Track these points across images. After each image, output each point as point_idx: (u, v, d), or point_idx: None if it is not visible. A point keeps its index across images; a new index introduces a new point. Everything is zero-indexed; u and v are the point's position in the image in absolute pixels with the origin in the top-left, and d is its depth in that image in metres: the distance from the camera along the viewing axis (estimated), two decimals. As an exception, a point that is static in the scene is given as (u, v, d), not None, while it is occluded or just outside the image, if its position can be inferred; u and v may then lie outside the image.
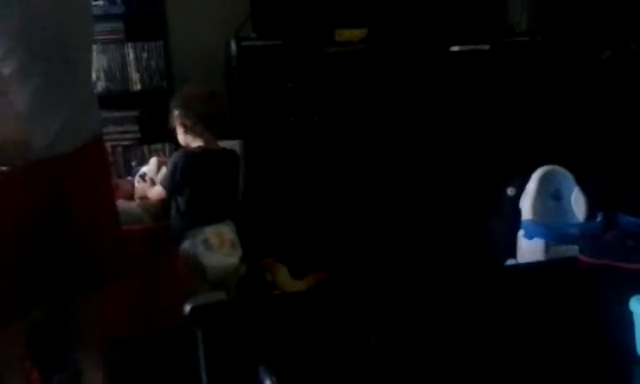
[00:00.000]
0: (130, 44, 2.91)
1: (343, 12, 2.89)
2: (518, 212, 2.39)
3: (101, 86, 2.89)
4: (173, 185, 2.22)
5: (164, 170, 2.39)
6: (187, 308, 1.44)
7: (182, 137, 2.30)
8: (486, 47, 2.82)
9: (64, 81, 1.64)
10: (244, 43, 2.69)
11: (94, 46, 2.68)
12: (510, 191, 2.56)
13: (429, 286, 2.20)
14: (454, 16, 2.92)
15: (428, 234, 2.81)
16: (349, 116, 2.77)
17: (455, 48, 2.79)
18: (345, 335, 1.50)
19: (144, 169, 2.56)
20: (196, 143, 2.26)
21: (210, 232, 2.16)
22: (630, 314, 1.04)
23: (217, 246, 2.17)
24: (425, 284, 2.20)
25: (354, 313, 1.81)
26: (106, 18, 2.84)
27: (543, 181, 2.36)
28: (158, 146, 2.99)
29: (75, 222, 1.71)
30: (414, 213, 2.85)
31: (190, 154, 2.24)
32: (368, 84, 2.76)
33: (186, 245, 2.17)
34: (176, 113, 2.27)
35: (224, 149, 2.34)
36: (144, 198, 2.45)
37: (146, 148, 2.98)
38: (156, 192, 2.33)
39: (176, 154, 2.30)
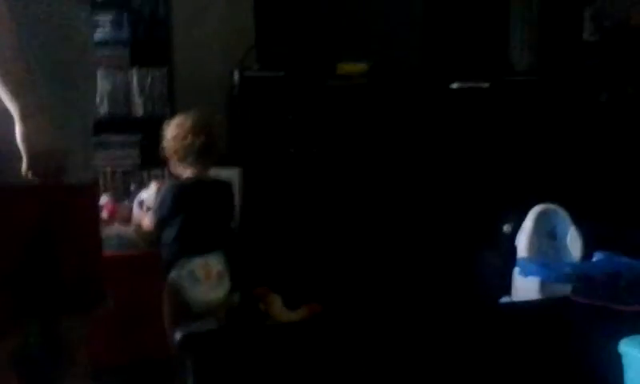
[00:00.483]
0: (134, 69, 2.94)
1: (345, 46, 2.93)
2: (513, 249, 2.40)
3: (103, 110, 2.91)
4: (161, 215, 2.21)
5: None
6: (178, 336, 1.44)
7: (173, 166, 2.30)
8: (486, 85, 2.85)
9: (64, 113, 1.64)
10: (247, 73, 2.73)
11: (98, 71, 2.75)
12: (507, 228, 2.57)
13: (422, 321, 2.20)
14: (455, 53, 2.96)
15: (423, 268, 2.81)
16: (348, 149, 2.79)
17: (455, 85, 2.82)
18: (336, 367, 1.50)
19: (143, 195, 2.56)
20: (187, 173, 2.26)
21: (197, 264, 2.13)
22: (619, 356, 1.04)
23: (203, 279, 2.13)
24: (418, 319, 2.21)
25: (346, 345, 1.81)
26: (111, 42, 2.88)
27: (540, 219, 2.37)
28: (158, 171, 3.00)
29: (61, 248, 1.73)
30: (410, 247, 2.85)
31: (179, 185, 2.24)
32: (368, 118, 2.79)
33: (173, 275, 2.15)
34: (167, 143, 2.27)
35: (216, 180, 2.33)
36: (139, 225, 2.45)
37: (145, 173, 3.00)
38: (149, 220, 2.33)
39: (166, 185, 2.30)
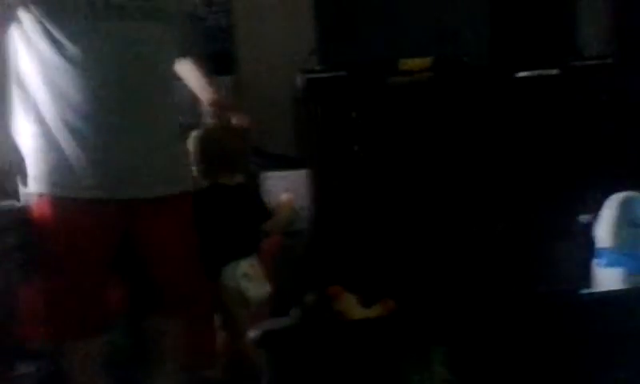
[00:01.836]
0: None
1: (407, 42, 2.91)
2: (590, 240, 2.32)
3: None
4: None
5: None
6: (255, 334, 1.47)
7: (197, 174, 2.35)
8: (554, 72, 2.77)
9: (132, 125, 1.74)
10: (309, 76, 2.75)
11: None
12: (584, 218, 2.49)
13: (500, 316, 2.16)
14: (521, 41, 2.89)
15: (498, 261, 2.75)
16: (414, 145, 2.77)
17: (522, 74, 2.76)
18: (411, 363, 1.49)
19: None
20: (208, 180, 2.30)
21: (246, 265, 2.21)
22: None
23: (254, 277, 2.23)
24: (496, 314, 2.17)
25: (420, 342, 1.80)
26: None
27: (621, 207, 2.28)
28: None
29: (145, 252, 1.84)
30: (485, 240, 2.79)
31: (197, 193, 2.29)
32: (433, 112, 2.76)
33: (226, 280, 2.22)
34: (191, 152, 2.33)
35: (239, 184, 2.33)
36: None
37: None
38: None
39: None
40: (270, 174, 2.96)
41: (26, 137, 1.72)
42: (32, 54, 1.67)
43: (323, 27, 2.88)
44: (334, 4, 2.91)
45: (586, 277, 2.28)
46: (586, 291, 2.24)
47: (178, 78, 2.09)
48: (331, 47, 2.88)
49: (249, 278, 2.21)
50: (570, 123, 2.79)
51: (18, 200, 1.78)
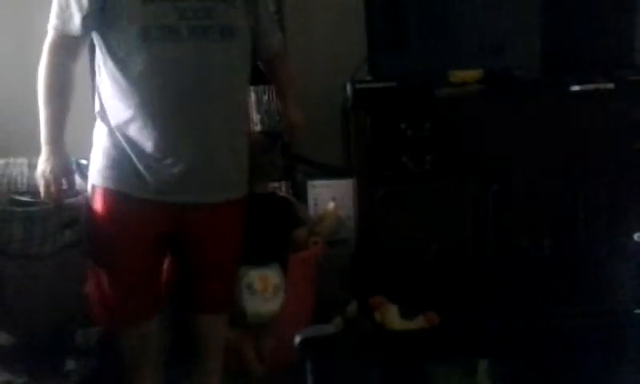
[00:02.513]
0: (251, 87, 3.06)
1: (458, 54, 2.90)
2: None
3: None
4: None
5: None
6: (297, 339, 1.48)
7: None
8: (611, 86, 2.70)
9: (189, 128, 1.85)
10: (359, 85, 2.76)
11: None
12: (638, 237, 2.43)
13: (549, 333, 2.12)
14: (574, 54, 2.84)
15: (547, 279, 2.70)
16: (462, 157, 2.74)
17: (576, 88, 2.70)
18: (455, 375, 1.48)
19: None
20: None
21: (255, 276, 2.16)
22: None
23: (260, 291, 2.16)
24: (544, 332, 2.13)
25: (464, 354, 1.78)
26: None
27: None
28: (276, 184, 3.11)
29: (187, 248, 2.01)
30: (530, 256, 2.74)
31: None
32: (482, 125, 2.73)
33: None
34: None
35: (270, 193, 2.37)
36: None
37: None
38: None
39: None
40: (317, 182, 2.98)
41: (100, 137, 1.93)
42: (105, 69, 1.89)
43: (374, 38, 2.89)
44: (385, 15, 2.92)
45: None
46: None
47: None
48: (381, 58, 2.89)
49: (252, 290, 2.14)
50: (625, 138, 2.71)
51: (75, 196, 2.01)
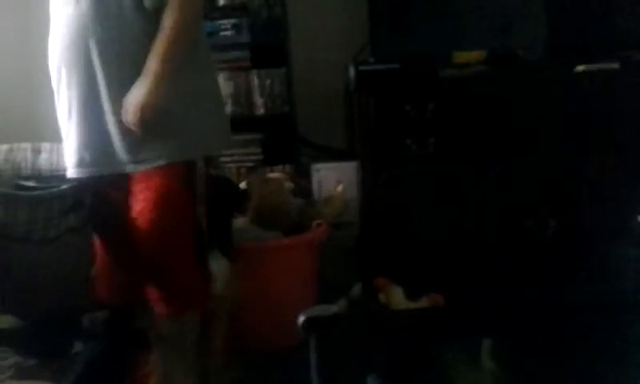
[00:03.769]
0: (254, 71, 3.07)
1: (461, 35, 2.88)
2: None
3: (228, 110, 3.07)
4: None
5: None
6: (301, 319, 1.48)
7: None
8: (616, 66, 2.69)
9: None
10: (362, 68, 2.75)
11: (222, 74, 2.91)
12: (642, 217, 2.43)
13: (554, 317, 2.13)
14: (578, 34, 2.81)
15: (550, 259, 2.70)
16: (466, 138, 2.73)
17: (580, 68, 2.69)
18: (458, 355, 1.48)
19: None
20: None
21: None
22: None
23: None
24: (550, 316, 2.14)
25: (468, 334, 1.79)
26: (233, 46, 3.03)
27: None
28: (280, 167, 3.12)
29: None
30: (534, 238, 2.74)
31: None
32: (486, 106, 2.71)
33: None
34: None
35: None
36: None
37: (268, 169, 3.12)
38: None
39: None
40: (321, 165, 2.98)
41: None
42: None
43: (376, 20, 2.88)
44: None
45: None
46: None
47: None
48: (384, 40, 2.88)
49: None
50: (631, 119, 2.70)
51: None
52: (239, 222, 2.57)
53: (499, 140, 2.73)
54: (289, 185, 2.75)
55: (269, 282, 2.40)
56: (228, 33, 3.01)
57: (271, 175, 2.85)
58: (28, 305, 2.12)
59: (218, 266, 2.10)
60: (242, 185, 2.74)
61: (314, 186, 2.98)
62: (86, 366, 2.03)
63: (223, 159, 3.11)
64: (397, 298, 2.60)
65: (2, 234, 2.01)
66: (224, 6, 3.02)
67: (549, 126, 2.71)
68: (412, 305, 2.58)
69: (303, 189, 2.94)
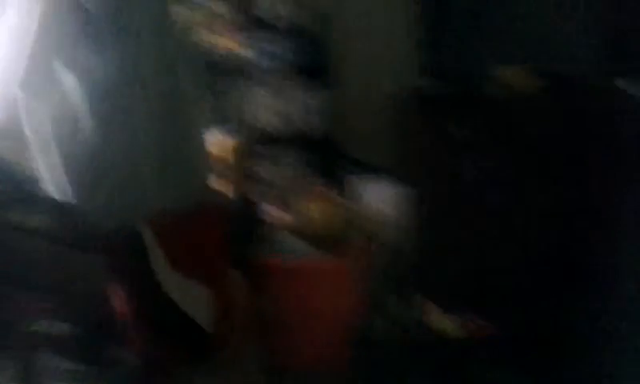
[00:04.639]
0: (300, 90, 3.09)
1: (509, 54, 2.84)
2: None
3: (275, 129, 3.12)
4: None
5: None
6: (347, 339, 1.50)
7: None
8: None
9: None
10: (411, 91, 2.76)
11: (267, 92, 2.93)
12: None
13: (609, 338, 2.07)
14: (631, 52, 2.73)
15: (603, 284, 2.62)
16: (513, 159, 2.69)
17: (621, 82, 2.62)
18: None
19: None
20: None
21: None
22: None
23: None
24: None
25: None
26: (278, 66, 3.06)
27: None
28: (324, 184, 3.14)
29: None
30: (590, 264, 2.67)
31: None
32: (537, 128, 2.66)
33: None
34: None
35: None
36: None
37: (313, 187, 3.14)
38: None
39: None
40: (364, 183, 3.00)
41: None
42: None
43: (427, 41, 2.86)
44: (438, 17, 2.88)
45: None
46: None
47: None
48: (433, 61, 2.86)
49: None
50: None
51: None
52: (284, 236, 2.63)
53: (546, 160, 2.66)
54: (334, 202, 2.79)
55: (310, 299, 2.44)
56: (269, 50, 3.04)
57: (316, 192, 2.88)
58: (83, 312, 2.17)
59: (233, 284, 2.16)
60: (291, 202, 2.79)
61: (357, 203, 3.00)
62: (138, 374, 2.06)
63: (270, 179, 3.17)
64: (438, 317, 2.60)
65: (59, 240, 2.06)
66: (268, 25, 3.05)
67: (598, 146, 2.63)
68: (452, 325, 2.58)
69: (347, 207, 2.97)
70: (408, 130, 2.76)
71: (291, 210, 2.89)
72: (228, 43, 3.06)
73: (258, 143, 3.13)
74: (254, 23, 3.06)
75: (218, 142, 2.45)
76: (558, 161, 2.67)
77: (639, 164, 2.57)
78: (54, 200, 1.87)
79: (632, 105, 2.61)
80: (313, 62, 3.09)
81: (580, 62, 2.80)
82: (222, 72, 3.08)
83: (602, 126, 2.64)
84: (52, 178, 1.74)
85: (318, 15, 3.07)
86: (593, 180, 2.66)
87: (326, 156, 3.13)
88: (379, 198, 2.91)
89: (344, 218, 2.75)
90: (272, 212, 2.93)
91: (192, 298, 1.50)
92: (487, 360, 2.31)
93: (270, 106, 3.10)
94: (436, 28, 2.89)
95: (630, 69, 2.68)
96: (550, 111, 2.68)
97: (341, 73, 3.14)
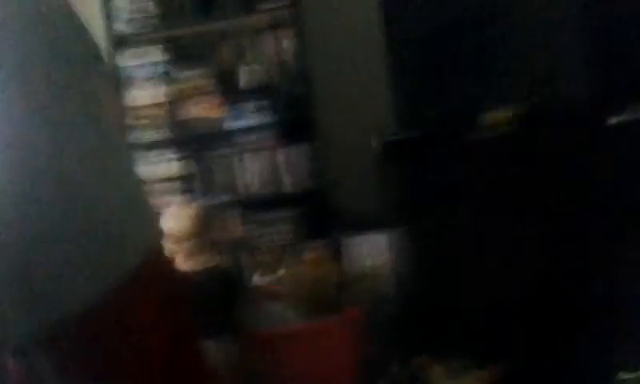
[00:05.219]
0: (280, 150, 3.06)
1: (486, 96, 2.80)
2: None
3: (254, 189, 3.07)
4: None
5: None
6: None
7: None
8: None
9: None
10: (385, 138, 2.70)
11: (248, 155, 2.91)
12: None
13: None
14: (608, 84, 2.68)
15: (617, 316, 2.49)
16: (502, 202, 2.61)
17: (613, 120, 2.56)
18: None
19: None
20: None
21: None
22: None
23: None
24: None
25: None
26: (257, 127, 3.04)
27: None
28: (313, 243, 3.06)
29: None
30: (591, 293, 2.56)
31: None
32: (520, 168, 2.60)
33: None
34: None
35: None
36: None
37: (300, 246, 3.07)
38: None
39: None
40: (352, 239, 2.92)
41: None
42: None
43: (398, 87, 2.82)
44: (410, 63, 2.84)
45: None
46: None
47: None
48: (407, 107, 2.82)
49: None
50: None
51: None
52: (273, 306, 2.52)
53: (536, 200, 2.59)
54: (324, 264, 2.69)
55: (302, 367, 2.32)
56: (251, 115, 3.03)
57: (306, 256, 2.78)
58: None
59: (223, 352, 2.10)
60: (278, 271, 2.71)
61: (347, 260, 2.91)
62: None
63: (256, 241, 3.09)
64: (439, 378, 2.46)
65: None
66: (245, 90, 3.05)
67: (588, 181, 2.57)
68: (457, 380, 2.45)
69: (337, 266, 2.88)
70: (392, 179, 2.68)
71: (279, 274, 2.80)
72: (211, 113, 3.07)
73: (245, 208, 3.08)
74: (235, 93, 3.06)
75: (177, 212, 2.38)
76: (549, 196, 2.59)
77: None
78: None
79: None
80: (294, 120, 3.05)
81: (567, 100, 2.73)
82: (206, 142, 3.09)
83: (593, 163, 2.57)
84: None
85: (296, 77, 3.06)
86: (587, 215, 2.58)
87: (314, 214, 3.05)
88: (369, 253, 2.82)
89: (335, 279, 2.65)
90: (258, 279, 2.84)
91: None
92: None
93: (255, 169, 3.05)
94: (413, 77, 2.83)
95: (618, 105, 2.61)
96: (534, 148, 2.61)
97: (323, 128, 3.10)
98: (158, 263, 1.22)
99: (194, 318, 1.36)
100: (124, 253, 1.13)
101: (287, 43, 3.04)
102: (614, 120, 2.55)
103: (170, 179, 3.05)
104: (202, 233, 2.36)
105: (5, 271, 1.04)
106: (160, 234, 1.41)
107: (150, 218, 1.31)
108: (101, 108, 1.18)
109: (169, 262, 1.34)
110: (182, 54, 3.07)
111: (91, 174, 1.09)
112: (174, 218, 2.33)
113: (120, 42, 3.03)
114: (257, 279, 2.90)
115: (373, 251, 2.85)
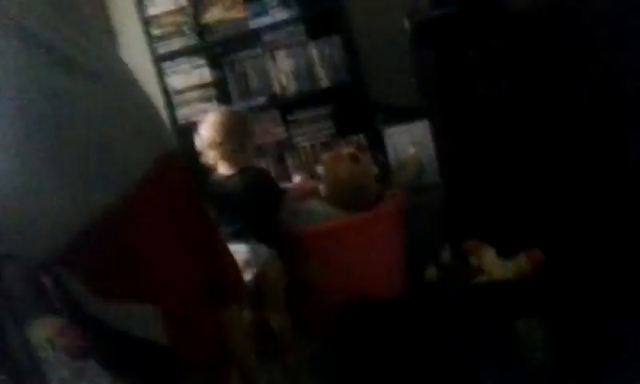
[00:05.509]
0: (312, 43, 2.95)
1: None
2: None
3: (292, 89, 2.99)
4: None
5: None
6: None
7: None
8: None
9: None
10: (417, 18, 2.53)
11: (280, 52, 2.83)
12: None
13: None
14: None
15: None
16: (540, 75, 2.42)
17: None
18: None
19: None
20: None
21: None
22: None
23: None
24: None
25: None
26: (285, 23, 2.92)
27: None
28: (354, 137, 3.00)
29: None
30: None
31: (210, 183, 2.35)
32: (563, 41, 2.39)
33: None
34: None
35: (240, 174, 2.31)
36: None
37: (343, 141, 3.01)
38: None
39: None
40: (393, 129, 2.83)
41: None
42: None
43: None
44: None
45: None
46: None
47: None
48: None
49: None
50: None
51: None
52: (312, 204, 2.50)
53: (578, 74, 2.37)
54: (364, 158, 2.63)
55: (350, 261, 2.32)
56: (277, 11, 2.91)
57: (345, 151, 2.72)
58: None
59: (255, 253, 2.14)
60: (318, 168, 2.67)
61: (390, 151, 2.84)
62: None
63: (297, 139, 3.05)
64: (490, 259, 2.41)
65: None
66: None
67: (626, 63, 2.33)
68: (508, 265, 2.39)
69: (378, 158, 2.82)
70: (426, 62, 2.53)
71: (318, 171, 2.76)
72: (233, 13, 2.96)
73: (283, 108, 3.03)
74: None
75: (213, 118, 2.35)
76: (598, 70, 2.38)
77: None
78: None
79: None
80: (322, 11, 2.91)
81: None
82: (235, 45, 3.01)
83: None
84: None
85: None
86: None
87: (352, 107, 2.96)
88: (411, 141, 2.73)
89: (375, 171, 2.60)
90: (298, 180, 2.82)
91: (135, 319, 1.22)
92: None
93: (288, 66, 2.96)
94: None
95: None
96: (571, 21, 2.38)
97: (351, 17, 2.95)
98: (169, 166, 1.26)
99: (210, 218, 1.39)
100: (132, 162, 1.19)
101: None
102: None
103: (203, 86, 3.01)
104: (240, 136, 2.33)
105: (21, 192, 1.10)
106: (169, 138, 1.41)
107: (156, 124, 1.32)
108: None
109: (178, 165, 1.33)
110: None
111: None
112: (211, 125, 2.31)
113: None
114: (297, 178, 2.88)
115: (415, 138, 2.75)
